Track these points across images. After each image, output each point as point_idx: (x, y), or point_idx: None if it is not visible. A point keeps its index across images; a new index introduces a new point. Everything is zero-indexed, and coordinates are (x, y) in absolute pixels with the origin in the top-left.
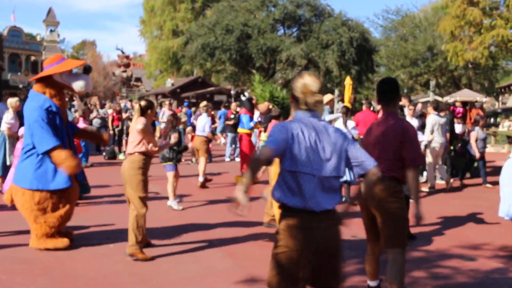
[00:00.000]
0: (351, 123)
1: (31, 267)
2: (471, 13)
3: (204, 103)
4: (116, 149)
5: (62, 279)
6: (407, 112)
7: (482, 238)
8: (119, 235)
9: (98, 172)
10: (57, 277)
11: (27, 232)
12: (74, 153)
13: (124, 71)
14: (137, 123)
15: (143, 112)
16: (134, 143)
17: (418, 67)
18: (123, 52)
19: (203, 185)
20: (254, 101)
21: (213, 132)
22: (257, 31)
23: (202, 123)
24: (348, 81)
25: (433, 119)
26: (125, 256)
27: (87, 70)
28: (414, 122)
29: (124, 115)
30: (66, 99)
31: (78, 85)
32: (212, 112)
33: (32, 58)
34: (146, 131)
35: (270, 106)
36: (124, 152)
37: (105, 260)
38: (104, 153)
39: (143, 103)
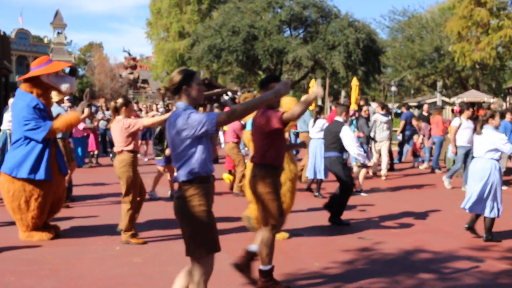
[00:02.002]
0: (320, 122)
1: (38, 268)
2: (478, 14)
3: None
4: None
5: (69, 280)
6: (462, 113)
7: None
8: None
9: (104, 172)
10: (64, 278)
11: None
12: (59, 151)
13: (131, 73)
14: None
15: (117, 110)
16: (122, 143)
17: (425, 68)
18: (130, 54)
19: None
20: (237, 100)
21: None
22: (263, 33)
23: None
24: (354, 82)
25: (376, 117)
26: (131, 257)
27: (72, 72)
28: (469, 124)
29: None
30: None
31: (64, 86)
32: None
33: None
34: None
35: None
36: None
37: (112, 262)
38: (111, 155)
39: (119, 101)
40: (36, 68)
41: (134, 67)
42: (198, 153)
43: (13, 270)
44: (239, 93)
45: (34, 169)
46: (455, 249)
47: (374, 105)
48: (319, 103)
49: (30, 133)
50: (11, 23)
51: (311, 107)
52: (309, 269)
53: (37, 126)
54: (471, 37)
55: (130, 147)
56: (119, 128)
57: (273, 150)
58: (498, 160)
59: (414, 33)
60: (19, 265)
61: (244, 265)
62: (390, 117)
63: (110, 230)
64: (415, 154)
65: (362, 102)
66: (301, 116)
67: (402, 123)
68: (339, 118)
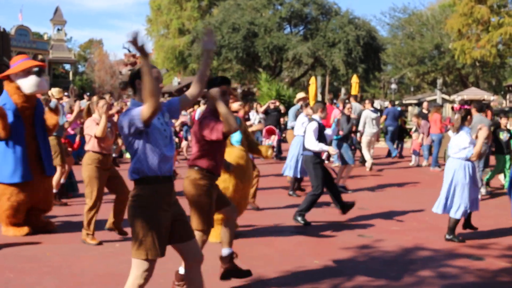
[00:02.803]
0: (301, 118)
1: (38, 266)
2: (479, 11)
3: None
4: (124, 147)
5: (69, 277)
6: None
7: (490, 238)
8: (125, 235)
9: None
10: (64, 275)
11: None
12: (46, 150)
13: (131, 70)
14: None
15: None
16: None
17: (425, 65)
18: (130, 51)
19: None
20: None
21: None
22: (263, 30)
23: None
24: (354, 80)
25: (366, 114)
26: (130, 255)
27: (37, 72)
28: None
29: None
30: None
31: (25, 86)
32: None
33: (39, 57)
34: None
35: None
36: None
37: (112, 259)
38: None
39: (94, 99)
40: (10, 67)
41: (134, 64)
42: (141, 151)
43: (13, 267)
44: (239, 90)
45: (5, 172)
46: (454, 247)
47: (355, 104)
48: (319, 100)
49: None
50: (11, 19)
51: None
52: (308, 267)
53: None
54: (471, 34)
55: (87, 146)
56: None
57: (211, 157)
58: (469, 160)
59: (414, 30)
60: (19, 262)
61: (230, 270)
62: (378, 114)
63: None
64: (415, 152)
65: (351, 99)
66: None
67: (382, 118)
68: (315, 116)
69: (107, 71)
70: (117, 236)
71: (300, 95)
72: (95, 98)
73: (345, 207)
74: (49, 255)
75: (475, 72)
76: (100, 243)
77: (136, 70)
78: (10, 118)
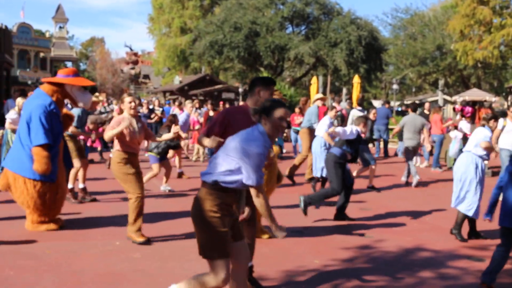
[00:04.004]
0: (326, 119)
1: (38, 263)
2: (481, 12)
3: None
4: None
5: (69, 275)
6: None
7: (490, 239)
8: (125, 233)
9: (104, 167)
10: (64, 273)
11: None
12: (66, 152)
13: (133, 68)
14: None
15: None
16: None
17: (427, 66)
18: (131, 49)
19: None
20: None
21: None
22: (265, 29)
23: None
24: (356, 80)
25: (353, 113)
26: (131, 253)
27: (92, 90)
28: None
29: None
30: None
31: (83, 101)
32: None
33: (41, 54)
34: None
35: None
36: None
37: (112, 257)
38: (112, 150)
39: (123, 95)
40: (64, 77)
41: (135, 62)
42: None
43: (12, 265)
44: (240, 90)
45: (54, 170)
46: (455, 248)
47: (343, 104)
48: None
49: (32, 133)
50: (12, 17)
51: (319, 104)
52: (308, 267)
53: (38, 134)
54: (473, 35)
55: (116, 145)
56: None
57: None
58: (481, 157)
59: (416, 31)
60: (19, 260)
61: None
62: (365, 112)
63: (109, 224)
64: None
65: (337, 99)
66: None
67: None
68: (358, 128)
69: (109, 69)
70: (117, 235)
71: (318, 95)
72: (124, 95)
73: (342, 215)
74: (49, 253)
75: (477, 73)
76: (148, 240)
77: (267, 105)
78: (56, 123)
